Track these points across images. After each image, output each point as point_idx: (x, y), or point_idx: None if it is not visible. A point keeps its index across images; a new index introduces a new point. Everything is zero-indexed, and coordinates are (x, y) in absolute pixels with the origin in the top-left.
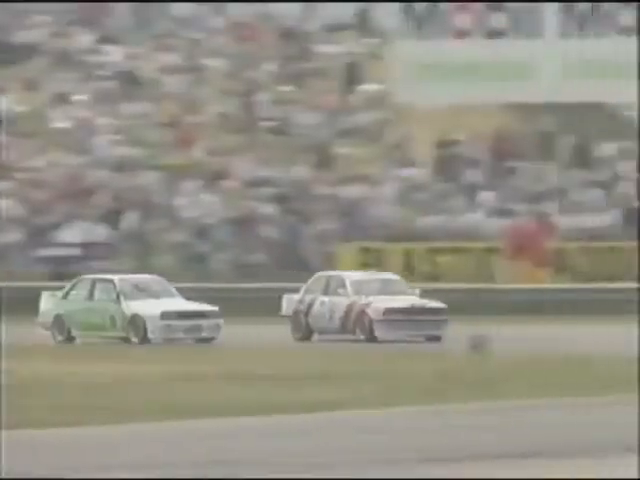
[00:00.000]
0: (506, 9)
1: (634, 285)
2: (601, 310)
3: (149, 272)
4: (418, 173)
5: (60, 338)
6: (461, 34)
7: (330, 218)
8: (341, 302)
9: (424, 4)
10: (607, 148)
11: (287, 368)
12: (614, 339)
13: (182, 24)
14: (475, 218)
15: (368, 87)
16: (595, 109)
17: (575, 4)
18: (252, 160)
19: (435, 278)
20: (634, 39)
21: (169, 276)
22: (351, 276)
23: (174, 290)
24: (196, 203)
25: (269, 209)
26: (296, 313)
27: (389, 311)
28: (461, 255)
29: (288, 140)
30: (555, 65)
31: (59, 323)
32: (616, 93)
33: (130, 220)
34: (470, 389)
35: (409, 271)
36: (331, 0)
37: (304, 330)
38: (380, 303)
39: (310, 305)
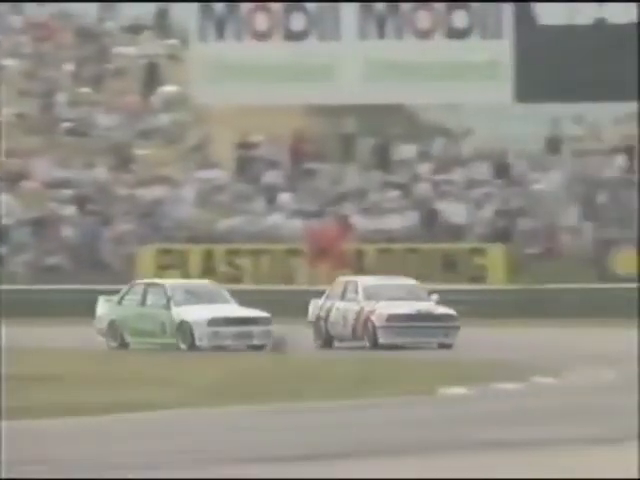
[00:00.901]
0: (305, 10)
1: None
2: None
3: None
4: (218, 175)
5: (113, 344)
6: (260, 35)
7: (130, 219)
8: (352, 308)
9: (223, 5)
10: (406, 150)
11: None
12: None
13: None
14: (275, 220)
15: (168, 88)
16: (394, 111)
17: (373, 5)
18: (51, 161)
19: (236, 280)
20: (431, 41)
21: None
22: (365, 281)
23: (228, 295)
24: None
25: (68, 210)
26: (317, 319)
27: (392, 317)
28: (261, 257)
29: (87, 141)
30: (355, 67)
31: (113, 329)
32: (415, 95)
33: None
34: (270, 390)
35: (209, 273)
36: (129, 0)
37: (324, 336)
38: (384, 309)
39: (329, 311)
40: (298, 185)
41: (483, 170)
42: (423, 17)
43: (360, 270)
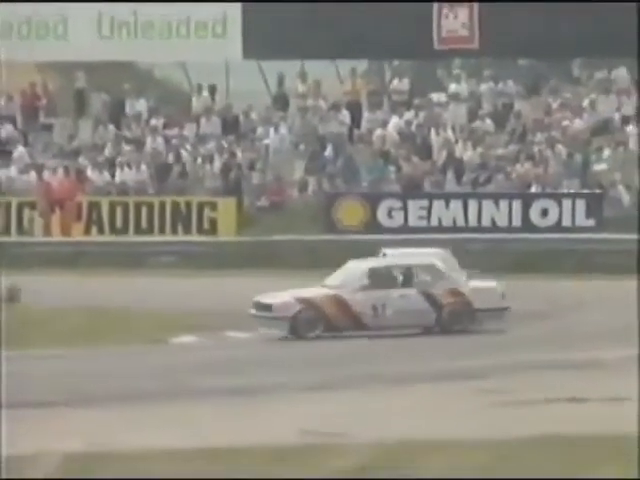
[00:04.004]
0: None
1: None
2: (137, 263)
3: None
4: None
5: None
6: None
7: None
8: None
9: None
10: (138, 105)
11: None
12: (159, 292)
13: None
14: (9, 173)
15: None
16: (127, 68)
17: None
18: None
19: None
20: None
21: None
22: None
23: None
24: None
25: None
26: None
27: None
28: None
29: None
30: (86, 24)
31: None
32: (146, 52)
33: None
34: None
35: None
36: None
37: None
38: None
39: None
40: (32, 139)
41: (213, 125)
42: None
43: (94, 222)
